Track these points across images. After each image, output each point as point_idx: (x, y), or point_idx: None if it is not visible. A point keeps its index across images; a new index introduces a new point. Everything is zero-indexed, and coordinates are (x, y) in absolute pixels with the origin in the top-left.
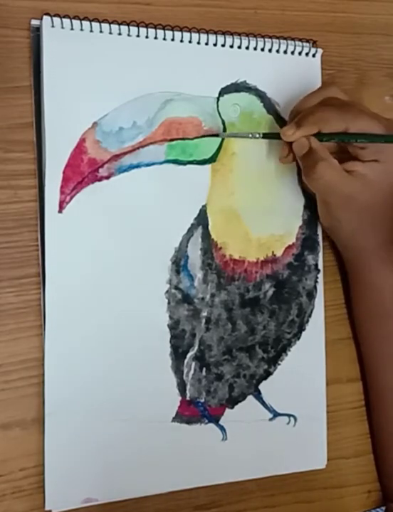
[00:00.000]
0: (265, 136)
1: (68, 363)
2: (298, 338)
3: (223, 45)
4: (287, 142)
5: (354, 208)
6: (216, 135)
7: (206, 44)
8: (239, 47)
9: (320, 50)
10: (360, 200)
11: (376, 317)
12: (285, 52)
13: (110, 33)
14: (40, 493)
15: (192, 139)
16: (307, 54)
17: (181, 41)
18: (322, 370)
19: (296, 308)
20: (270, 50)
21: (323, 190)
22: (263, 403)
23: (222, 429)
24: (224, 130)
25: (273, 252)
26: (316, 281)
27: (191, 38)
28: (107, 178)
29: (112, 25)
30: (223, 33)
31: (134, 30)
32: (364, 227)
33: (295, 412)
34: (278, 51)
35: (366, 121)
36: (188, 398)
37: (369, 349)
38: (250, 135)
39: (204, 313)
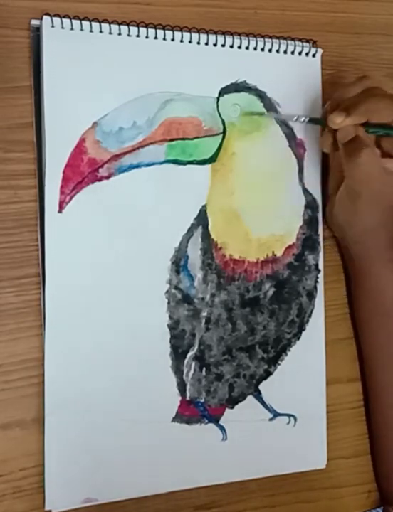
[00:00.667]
0: (311, 120)
1: (68, 363)
2: (298, 338)
3: (223, 45)
4: (332, 129)
5: (382, 204)
6: (262, 113)
7: (206, 44)
8: (239, 47)
9: (320, 50)
10: (389, 198)
11: (377, 317)
12: (285, 52)
13: (110, 33)
14: (40, 493)
15: (193, 137)
16: (307, 54)
17: (181, 41)
18: (322, 370)
19: (296, 308)
20: (270, 50)
21: (360, 179)
22: (263, 403)
23: (222, 429)
24: (224, 130)
25: (273, 252)
26: (316, 281)
27: (191, 38)
28: (107, 178)
29: (112, 25)
30: (223, 33)
31: (134, 30)
32: (381, 226)
33: (295, 412)
34: (278, 51)
35: None
36: (188, 398)
37: (370, 349)
38: (296, 118)
39: (204, 313)
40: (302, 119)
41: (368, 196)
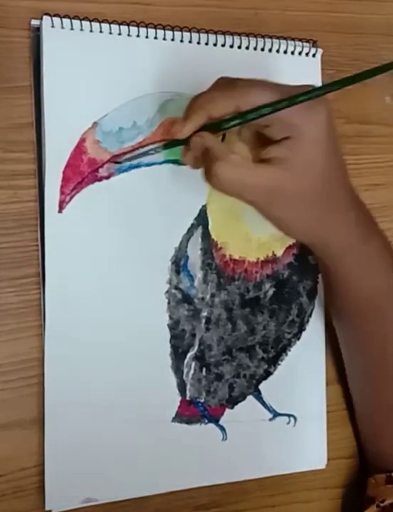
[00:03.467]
0: (166, 146)
1: (68, 363)
2: (298, 338)
3: (223, 45)
4: (187, 146)
5: (282, 200)
6: (117, 162)
7: (206, 44)
8: (239, 47)
9: (320, 50)
10: (287, 190)
11: (350, 317)
12: (285, 52)
13: (110, 33)
14: (40, 493)
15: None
16: (307, 54)
17: (181, 41)
18: (322, 370)
19: (296, 309)
20: (270, 50)
21: (232, 192)
22: (263, 403)
23: (222, 429)
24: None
25: (273, 252)
26: (316, 281)
27: (191, 38)
28: (107, 178)
29: (112, 25)
30: (223, 33)
31: (134, 30)
32: (311, 221)
33: (295, 412)
34: (278, 51)
35: (257, 93)
36: (188, 398)
37: (345, 349)
38: (150, 151)
39: (204, 313)
40: (159, 149)
41: (263, 201)
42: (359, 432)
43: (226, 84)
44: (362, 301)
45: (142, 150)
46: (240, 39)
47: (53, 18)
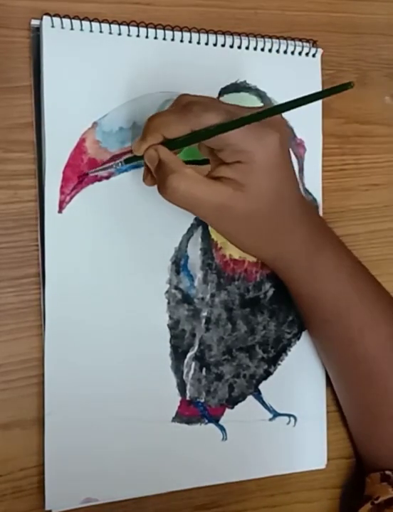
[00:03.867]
0: (127, 161)
1: (68, 363)
2: (298, 338)
3: (223, 45)
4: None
5: (232, 218)
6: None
7: (206, 44)
8: (239, 47)
9: (320, 50)
10: (237, 209)
11: (316, 323)
12: (285, 52)
13: (110, 33)
14: (40, 493)
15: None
16: (307, 54)
17: (181, 41)
18: (322, 370)
19: (296, 308)
20: (270, 50)
21: (184, 205)
22: (263, 403)
23: (222, 429)
24: None
25: None
26: None
27: (191, 38)
28: (107, 178)
29: (112, 25)
30: (223, 33)
31: (134, 30)
32: (259, 238)
33: (295, 412)
34: (278, 51)
35: (211, 117)
36: (188, 398)
37: (323, 355)
38: (114, 165)
39: (204, 313)
40: (120, 164)
41: (213, 217)
42: (350, 433)
43: (182, 107)
44: (322, 308)
45: (107, 165)
46: (240, 39)
47: (53, 18)
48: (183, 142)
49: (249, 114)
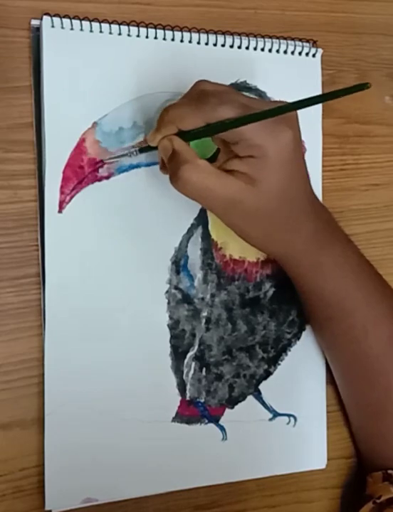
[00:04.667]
0: (141, 150)
1: (68, 362)
2: (298, 338)
3: (223, 45)
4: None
5: (241, 212)
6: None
7: (206, 44)
8: (239, 47)
9: (320, 50)
10: (247, 203)
11: (320, 320)
12: (285, 52)
13: (110, 33)
14: (40, 493)
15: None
16: (307, 54)
17: (181, 41)
18: (322, 370)
19: (296, 308)
20: (270, 50)
21: (195, 196)
22: (263, 403)
23: (222, 429)
24: None
25: None
26: None
27: (191, 38)
28: (107, 178)
29: (112, 25)
30: (223, 33)
31: (134, 30)
32: (266, 233)
33: (295, 412)
34: (278, 51)
35: (226, 109)
36: (188, 398)
37: (326, 352)
38: (128, 153)
39: (204, 313)
40: (135, 152)
41: (221, 209)
42: (352, 432)
43: (197, 99)
44: (327, 305)
45: (122, 153)
46: (240, 39)
47: (53, 18)
48: (197, 134)
49: (265, 109)
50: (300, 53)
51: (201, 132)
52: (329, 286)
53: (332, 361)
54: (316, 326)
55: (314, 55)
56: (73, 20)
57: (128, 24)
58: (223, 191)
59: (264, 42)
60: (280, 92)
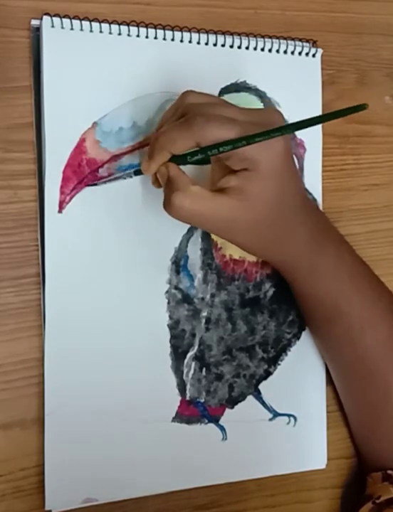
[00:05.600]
0: (136, 173)
1: (68, 363)
2: (298, 338)
3: (223, 45)
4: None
5: (238, 228)
6: (94, 184)
7: (206, 44)
8: (239, 47)
9: (320, 50)
10: (243, 220)
11: (317, 322)
12: (285, 52)
13: (110, 33)
14: (40, 493)
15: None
16: (307, 54)
17: (181, 41)
18: (322, 370)
19: (296, 308)
20: (270, 50)
21: (189, 222)
22: (263, 403)
23: (222, 429)
24: None
25: None
26: None
27: (191, 38)
28: (107, 178)
29: (112, 25)
30: (223, 33)
31: (134, 30)
32: (265, 243)
33: (295, 412)
34: (278, 51)
35: (214, 129)
36: (188, 398)
37: (324, 354)
38: (124, 176)
39: (204, 313)
40: (132, 175)
41: (219, 230)
42: (351, 432)
43: (184, 121)
44: (323, 307)
45: (117, 175)
46: (240, 39)
47: (53, 18)
48: (192, 157)
49: (253, 120)
50: (300, 53)
51: (196, 154)
52: (324, 288)
53: (330, 363)
54: (313, 328)
55: (314, 55)
56: (73, 20)
57: (128, 24)
58: (218, 213)
59: (264, 42)
60: (280, 92)
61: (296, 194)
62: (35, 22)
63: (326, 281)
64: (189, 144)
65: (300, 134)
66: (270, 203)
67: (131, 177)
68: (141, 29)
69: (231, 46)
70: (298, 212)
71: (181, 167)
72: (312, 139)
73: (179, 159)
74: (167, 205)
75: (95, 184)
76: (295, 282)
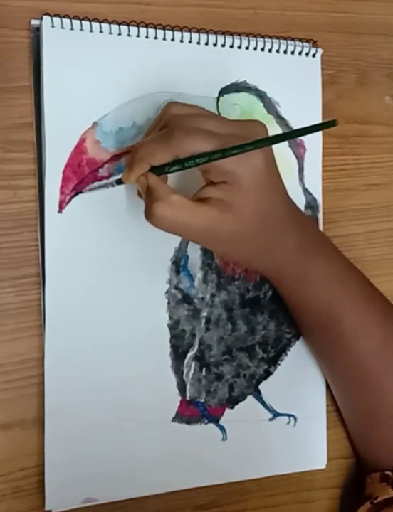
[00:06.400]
0: (117, 182)
1: (68, 363)
2: (298, 338)
3: (223, 45)
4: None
5: (219, 239)
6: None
7: (206, 44)
8: (239, 47)
9: (320, 50)
10: (223, 231)
11: (309, 328)
12: (285, 52)
13: (110, 33)
14: (40, 493)
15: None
16: (307, 54)
17: (181, 41)
18: (322, 370)
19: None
20: (270, 50)
21: (170, 231)
22: (263, 403)
23: (222, 429)
24: None
25: None
26: None
27: (191, 38)
28: (107, 178)
29: (112, 25)
30: (223, 33)
31: (134, 30)
32: (248, 253)
33: (295, 412)
34: (278, 51)
35: (193, 142)
36: (188, 398)
37: (318, 360)
38: (106, 185)
39: (204, 313)
40: (114, 183)
41: (200, 240)
42: (349, 434)
43: (164, 133)
44: (314, 315)
45: (99, 183)
46: (240, 39)
47: (53, 18)
48: (170, 169)
49: (234, 132)
50: (300, 53)
51: (173, 167)
52: (314, 297)
53: (325, 369)
54: (306, 335)
55: (314, 55)
56: (73, 20)
57: (128, 24)
58: (197, 223)
59: (264, 42)
60: (280, 92)
61: (280, 205)
62: (35, 22)
63: (315, 289)
64: (167, 157)
65: None
66: (252, 215)
67: (113, 186)
68: (141, 29)
69: (231, 46)
70: (283, 222)
71: None
72: (312, 139)
73: (157, 169)
74: (149, 215)
75: (81, 192)
76: (284, 290)
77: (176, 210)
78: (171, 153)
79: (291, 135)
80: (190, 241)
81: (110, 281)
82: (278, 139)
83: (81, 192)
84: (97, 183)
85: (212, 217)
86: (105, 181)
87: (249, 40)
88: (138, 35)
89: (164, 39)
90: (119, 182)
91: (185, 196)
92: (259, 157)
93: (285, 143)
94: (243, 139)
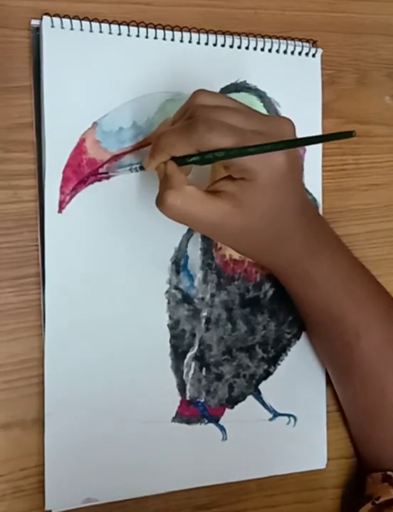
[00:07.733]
0: (141, 167)
1: (68, 363)
2: (298, 338)
3: (223, 45)
4: None
5: (226, 233)
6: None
7: (206, 44)
8: (239, 47)
9: (320, 50)
10: (232, 225)
11: (312, 325)
12: (285, 52)
13: (110, 33)
14: (40, 493)
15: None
16: (307, 54)
17: (181, 41)
18: (322, 370)
19: (296, 309)
20: (270, 50)
21: (179, 220)
22: (263, 403)
23: (222, 429)
24: None
25: None
26: None
27: (191, 38)
28: (107, 178)
29: (112, 25)
30: (223, 33)
31: (134, 30)
32: (256, 247)
33: (295, 412)
34: (278, 51)
35: (215, 137)
36: (188, 398)
37: (321, 357)
38: (131, 169)
39: (204, 313)
40: (137, 168)
41: (207, 232)
42: (350, 434)
43: (188, 125)
44: (318, 312)
45: (125, 168)
46: (240, 39)
47: (53, 18)
48: (190, 161)
49: (260, 129)
50: (299, 53)
51: (194, 161)
52: (318, 294)
53: (327, 366)
54: (310, 331)
55: (314, 55)
56: (73, 20)
57: (128, 24)
58: (207, 216)
59: (264, 42)
60: (280, 92)
61: (293, 206)
62: (35, 22)
63: (319, 288)
64: (188, 150)
65: (300, 134)
66: (264, 213)
67: (137, 171)
68: (141, 29)
69: (231, 46)
70: (294, 220)
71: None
72: None
73: (178, 159)
74: (160, 203)
75: (106, 177)
76: (289, 286)
77: (187, 200)
78: (192, 147)
79: (309, 141)
80: (198, 232)
81: (110, 281)
82: (295, 143)
83: (107, 177)
84: (122, 168)
85: (222, 211)
86: (129, 167)
87: (249, 40)
88: (138, 35)
89: (164, 39)
90: (142, 168)
91: (199, 188)
92: (282, 158)
93: None
94: (266, 136)
